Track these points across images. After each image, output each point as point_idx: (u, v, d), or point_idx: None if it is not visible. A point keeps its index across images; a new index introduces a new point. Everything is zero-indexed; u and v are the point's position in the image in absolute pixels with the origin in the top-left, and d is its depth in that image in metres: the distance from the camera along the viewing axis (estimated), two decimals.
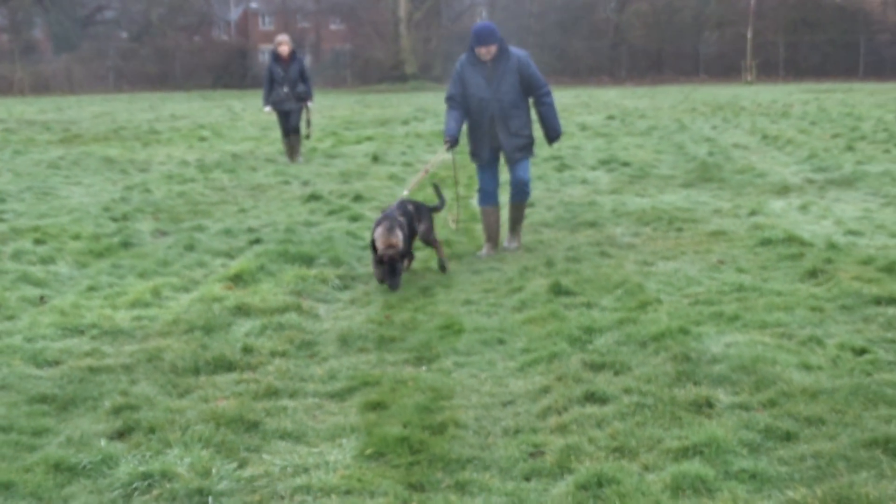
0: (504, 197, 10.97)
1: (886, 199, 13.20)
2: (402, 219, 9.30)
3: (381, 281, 9.07)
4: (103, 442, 5.56)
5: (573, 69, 65.34)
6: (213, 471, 5.12)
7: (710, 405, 5.91)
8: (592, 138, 23.11)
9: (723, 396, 6.06)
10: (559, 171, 16.96)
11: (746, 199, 13.41)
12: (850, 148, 18.96)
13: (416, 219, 9.63)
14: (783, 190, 14.30)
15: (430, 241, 9.84)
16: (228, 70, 69.51)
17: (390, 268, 8.91)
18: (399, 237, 9.07)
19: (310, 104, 19.56)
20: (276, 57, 19.14)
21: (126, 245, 11.20)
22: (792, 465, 5.09)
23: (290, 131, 19.43)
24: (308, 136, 20.09)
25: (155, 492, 4.91)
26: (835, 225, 11.41)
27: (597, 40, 68.26)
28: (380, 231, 9.09)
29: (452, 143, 10.18)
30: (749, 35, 59.17)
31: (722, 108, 32.20)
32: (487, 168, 10.60)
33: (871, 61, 61.04)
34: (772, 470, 5.03)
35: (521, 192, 10.62)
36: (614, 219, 12.32)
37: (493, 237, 10.67)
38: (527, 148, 10.45)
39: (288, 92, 19.08)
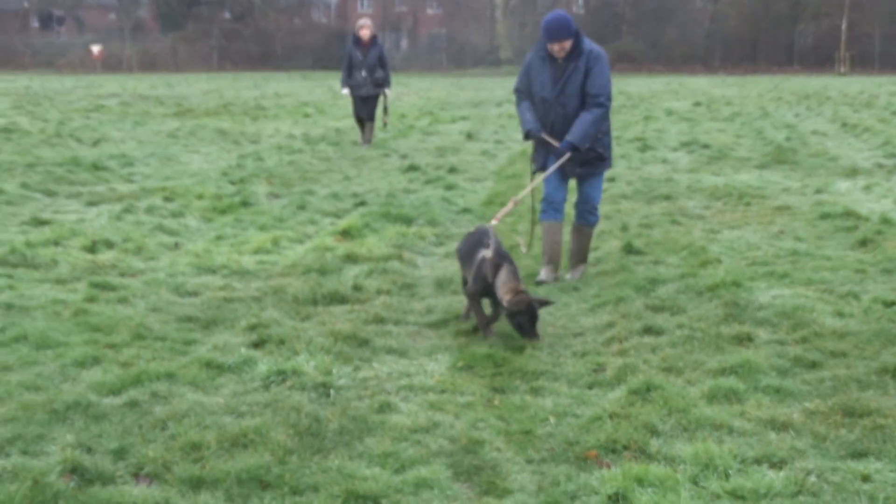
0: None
1: None
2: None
3: (485, 328, 7.38)
4: (243, 349, 6.79)
5: (667, 57, 65.70)
6: (334, 371, 6.31)
7: (749, 339, 6.97)
8: (677, 122, 24.06)
9: (762, 334, 7.11)
10: (642, 151, 17.97)
11: (815, 180, 14.35)
12: None
13: None
14: (852, 172, 15.18)
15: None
16: (328, 52, 71.15)
17: (531, 317, 7.13)
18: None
19: (387, 91, 19.20)
20: (356, 40, 18.86)
21: (245, 204, 12.52)
22: (812, 385, 6.13)
23: (366, 118, 19.20)
24: (385, 125, 20.32)
25: (288, 383, 6.12)
26: (893, 203, 12.31)
27: (691, 29, 68.55)
28: (504, 276, 7.27)
29: (536, 134, 8.71)
30: (844, 26, 59.04)
31: (808, 97, 32.81)
32: (552, 176, 8.83)
33: None
34: (794, 387, 6.08)
35: (585, 214, 9.07)
36: (688, 193, 13.37)
37: (554, 258, 9.00)
38: (593, 164, 8.82)
39: (366, 77, 18.75)
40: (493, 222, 8.22)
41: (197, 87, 41.34)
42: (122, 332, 7.14)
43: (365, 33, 18.74)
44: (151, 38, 72.11)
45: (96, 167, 15.44)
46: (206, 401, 5.84)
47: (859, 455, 5.08)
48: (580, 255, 9.18)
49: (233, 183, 14.28)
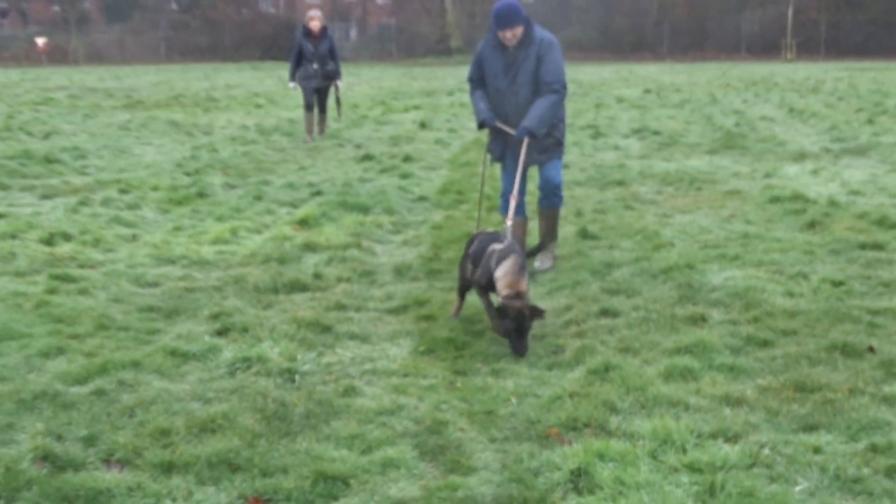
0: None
1: (893, 166, 14.33)
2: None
3: (506, 336, 6.74)
4: (207, 337, 6.87)
5: (616, 45, 66.08)
6: (298, 357, 6.40)
7: (703, 320, 7.16)
8: (628, 110, 24.31)
9: (716, 314, 7.29)
10: (594, 138, 18.18)
11: (764, 165, 14.62)
12: (870, 121, 20.06)
13: None
14: (800, 157, 15.48)
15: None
16: (277, 42, 70.81)
17: (518, 326, 6.61)
18: (527, 275, 6.99)
19: (339, 83, 18.87)
20: (306, 32, 18.41)
21: (202, 195, 12.56)
22: (764, 363, 6.31)
23: (320, 110, 18.85)
24: (340, 115, 20.12)
25: (253, 369, 6.20)
26: (840, 186, 12.59)
27: (640, 17, 68.96)
28: (508, 266, 6.86)
29: (490, 123, 8.54)
30: (790, 13, 59.72)
31: (756, 83, 33.22)
32: (510, 171, 8.74)
33: None
34: (747, 365, 6.26)
35: (549, 196, 8.98)
36: (640, 179, 13.57)
37: None
38: (549, 150, 8.74)
39: (317, 69, 18.34)
40: (508, 223, 7.82)
41: (146, 78, 41.08)
42: (85, 322, 7.19)
43: (315, 25, 18.33)
44: (97, 29, 71.49)
45: (49, 160, 15.37)
46: (173, 388, 5.93)
47: (810, 428, 5.26)
48: (550, 236, 9.06)
49: (188, 174, 14.29)
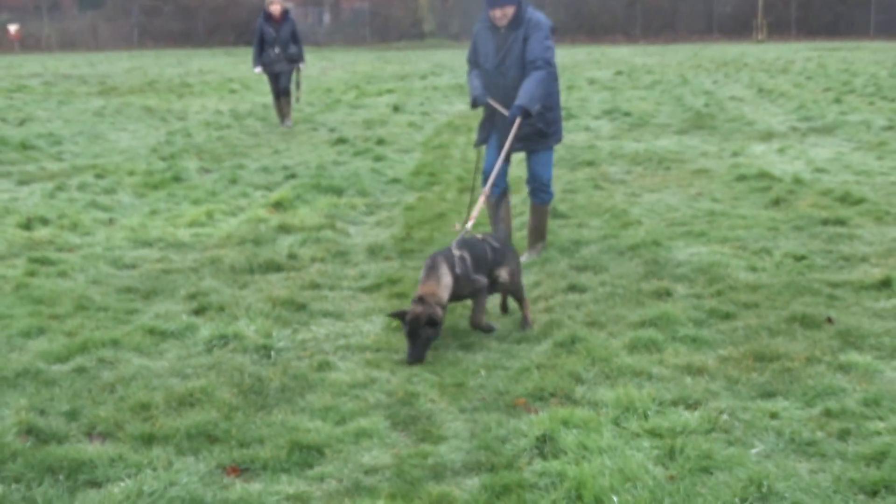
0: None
1: (859, 144, 14.61)
2: (458, 254, 6.72)
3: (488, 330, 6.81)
4: (184, 316, 7.04)
5: (588, 27, 66.06)
6: (274, 334, 6.58)
7: (668, 294, 7.38)
8: (599, 91, 24.51)
9: (680, 289, 7.52)
10: (565, 119, 18.34)
11: (731, 144, 14.87)
12: (837, 100, 20.34)
13: (496, 265, 6.91)
14: (767, 136, 15.74)
15: (513, 292, 7.07)
16: (250, 27, 70.17)
17: (410, 331, 6.29)
18: (444, 283, 6.53)
19: (301, 66, 18.70)
20: (267, 17, 18.20)
21: (177, 179, 12.68)
22: (726, 334, 6.53)
23: (281, 93, 18.61)
24: (298, 100, 19.91)
25: (230, 346, 6.38)
26: (805, 164, 12.84)
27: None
28: (423, 270, 6.64)
29: (482, 101, 8.31)
30: None
31: (726, 64, 33.48)
32: (493, 151, 8.51)
33: (881, 20, 61.66)
34: (709, 336, 6.48)
35: (536, 192, 8.77)
36: (610, 160, 13.79)
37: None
38: (533, 139, 8.46)
39: (279, 53, 18.09)
40: (468, 226, 7.29)
41: (119, 65, 40.98)
42: (65, 303, 7.34)
43: (276, 9, 18.09)
44: (70, 16, 71.00)
45: (24, 146, 15.45)
46: (152, 365, 6.10)
47: (769, 395, 5.48)
48: (537, 234, 8.89)
49: (163, 159, 14.40)
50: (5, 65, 41.31)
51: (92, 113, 20.87)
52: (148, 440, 4.98)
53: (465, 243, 6.84)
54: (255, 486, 4.57)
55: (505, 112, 8.21)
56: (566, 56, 39.19)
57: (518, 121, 7.94)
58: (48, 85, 29.05)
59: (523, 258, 8.43)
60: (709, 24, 67.00)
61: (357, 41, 68.38)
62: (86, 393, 5.60)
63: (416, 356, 6.26)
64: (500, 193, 8.15)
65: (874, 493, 4.35)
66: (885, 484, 4.38)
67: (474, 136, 8.91)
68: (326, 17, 79.39)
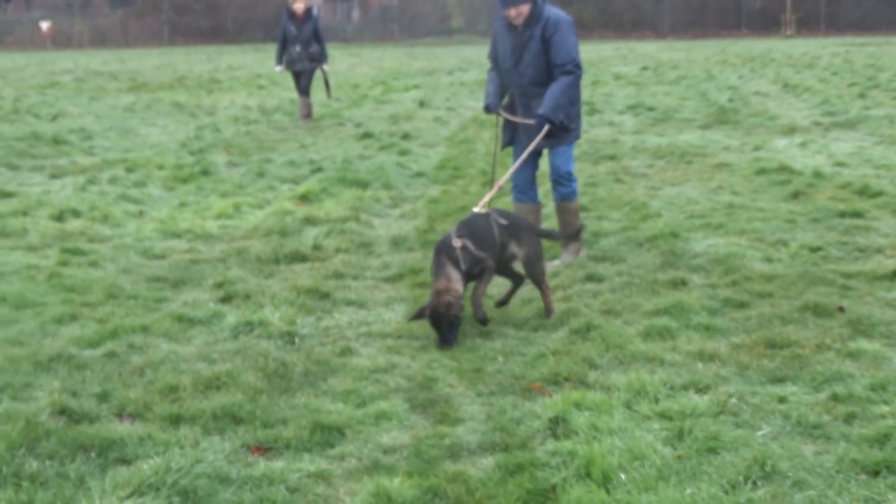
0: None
1: (881, 138, 14.68)
2: (459, 245, 6.75)
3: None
4: (211, 304, 7.25)
5: (616, 23, 65.99)
6: (298, 321, 6.78)
7: (684, 284, 7.53)
8: (624, 86, 24.62)
9: (696, 279, 7.66)
10: (589, 114, 18.48)
11: (754, 138, 14.98)
12: (862, 95, 20.36)
13: (507, 240, 7.02)
14: (790, 130, 15.83)
15: (531, 275, 7.15)
16: (279, 24, 70.73)
17: (434, 321, 6.57)
18: (454, 279, 6.69)
19: (325, 67, 18.50)
20: (290, 15, 18.14)
21: (205, 173, 12.93)
22: (739, 323, 6.68)
23: (303, 93, 18.66)
24: (329, 96, 19.75)
25: (255, 333, 6.59)
26: (826, 158, 12.93)
27: None
28: (432, 267, 6.85)
29: (493, 110, 8.37)
30: None
31: (753, 60, 33.46)
32: (518, 157, 8.26)
33: None
34: (722, 325, 6.63)
35: (556, 187, 8.50)
36: (632, 154, 13.94)
37: None
38: (558, 134, 8.14)
39: (301, 51, 18.06)
40: (475, 209, 7.21)
41: (149, 61, 41.36)
42: (96, 292, 7.57)
43: (299, 7, 17.99)
44: (101, 14, 71.56)
45: (56, 141, 15.77)
46: (180, 350, 6.32)
47: (778, 380, 5.62)
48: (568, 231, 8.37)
49: (192, 153, 14.67)
50: (38, 61, 41.81)
51: (122, 109, 21.22)
52: (175, 420, 5.18)
53: (466, 226, 6.93)
54: (278, 465, 4.74)
55: (516, 121, 8.33)
56: (592, 52, 39.26)
57: (545, 130, 7.92)
58: (80, 81, 29.44)
59: (559, 261, 8.41)
60: (737, 19, 66.69)
61: (385, 37, 68.54)
62: (116, 376, 5.81)
63: (446, 341, 6.49)
64: (531, 203, 8.47)
65: (876, 473, 4.47)
66: (887, 464, 4.50)
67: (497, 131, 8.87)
68: (355, 14, 79.61)
